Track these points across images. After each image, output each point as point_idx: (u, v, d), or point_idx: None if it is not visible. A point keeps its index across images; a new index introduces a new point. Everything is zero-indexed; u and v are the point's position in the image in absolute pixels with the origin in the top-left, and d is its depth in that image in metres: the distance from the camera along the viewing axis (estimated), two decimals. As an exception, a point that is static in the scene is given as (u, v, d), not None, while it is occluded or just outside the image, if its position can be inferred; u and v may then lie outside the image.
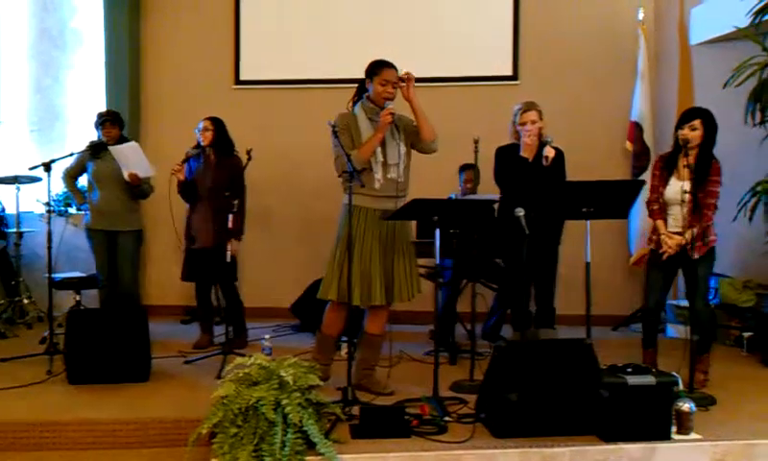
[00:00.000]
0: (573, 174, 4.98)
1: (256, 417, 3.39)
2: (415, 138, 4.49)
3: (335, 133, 4.27)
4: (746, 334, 5.76)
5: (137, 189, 5.73)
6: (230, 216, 5.16)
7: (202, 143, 5.69)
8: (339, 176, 4.42)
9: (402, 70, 4.42)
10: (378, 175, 4.35)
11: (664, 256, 4.64)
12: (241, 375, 3.55)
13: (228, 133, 5.80)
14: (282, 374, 3.48)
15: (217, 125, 5.73)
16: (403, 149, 4.45)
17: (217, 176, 5.62)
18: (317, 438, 3.39)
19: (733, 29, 5.69)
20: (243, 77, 7.30)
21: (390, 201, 4.40)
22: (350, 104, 4.54)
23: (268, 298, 6.98)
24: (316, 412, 3.53)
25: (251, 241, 6.24)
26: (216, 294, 5.69)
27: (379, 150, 4.35)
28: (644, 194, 6.22)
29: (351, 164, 4.22)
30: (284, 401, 3.40)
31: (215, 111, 5.90)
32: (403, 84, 4.38)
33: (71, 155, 5.69)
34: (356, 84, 4.58)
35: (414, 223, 5.22)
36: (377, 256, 4.37)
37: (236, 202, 5.16)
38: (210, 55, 7.35)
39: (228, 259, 5.27)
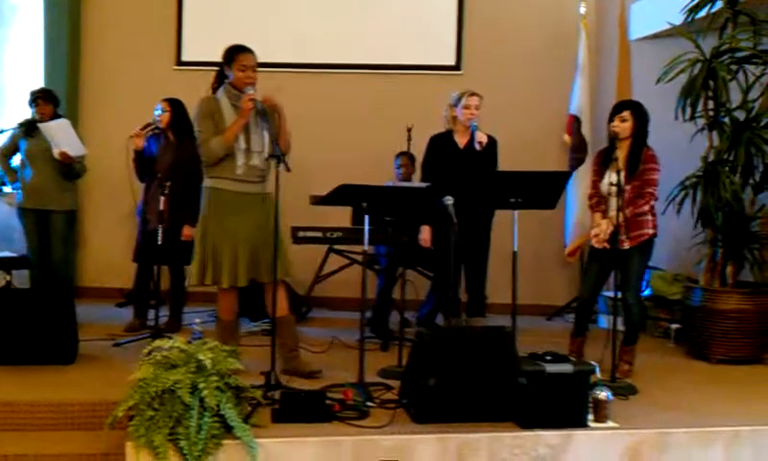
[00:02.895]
0: (512, 165, 5.02)
1: (173, 400, 3.35)
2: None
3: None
4: (674, 326, 5.89)
5: (69, 168, 5.63)
6: (162, 198, 5.11)
7: (159, 125, 5.62)
8: (202, 162, 4.42)
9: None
10: (240, 161, 4.32)
11: (594, 242, 4.71)
12: (160, 357, 3.52)
13: (187, 114, 5.72)
14: (201, 357, 3.45)
15: (174, 106, 5.64)
16: (266, 137, 4.41)
17: (177, 157, 5.55)
18: (234, 422, 3.37)
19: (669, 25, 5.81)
20: (185, 58, 7.21)
21: (252, 185, 4.39)
22: (212, 88, 4.50)
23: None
24: (235, 396, 3.50)
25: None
26: (154, 277, 5.63)
27: (242, 137, 4.33)
28: (580, 186, 6.38)
29: (202, 150, 4.32)
30: (201, 385, 3.37)
31: (156, 93, 5.83)
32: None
33: (2, 132, 5.58)
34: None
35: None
36: (245, 238, 4.35)
37: (168, 184, 5.11)
38: (152, 34, 7.23)
39: (162, 241, 5.21)
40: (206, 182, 4.42)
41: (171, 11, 7.22)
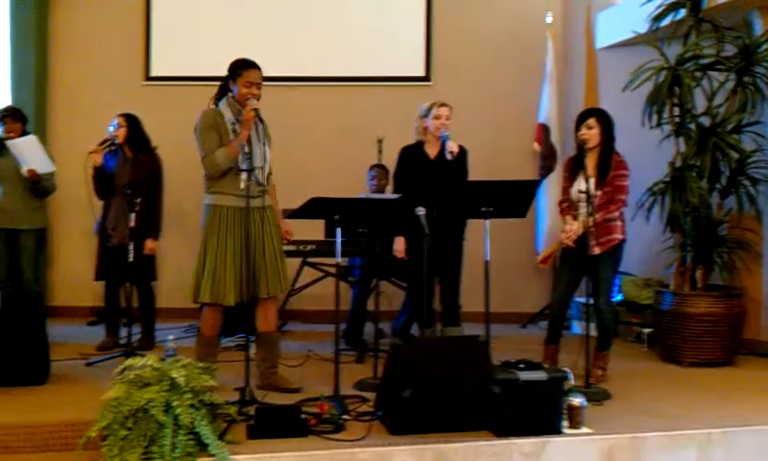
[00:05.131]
0: (483, 174, 5.06)
1: (146, 419, 3.33)
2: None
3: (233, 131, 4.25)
4: (646, 330, 5.95)
5: (38, 186, 5.58)
6: (132, 215, 5.09)
7: (116, 141, 5.59)
8: (206, 175, 4.41)
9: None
10: (243, 175, 4.28)
11: (563, 237, 4.74)
12: (132, 376, 3.50)
13: (144, 129, 5.72)
14: (174, 375, 3.44)
15: (130, 121, 5.64)
16: (268, 153, 4.45)
17: (134, 172, 5.53)
18: (209, 439, 3.35)
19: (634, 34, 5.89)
20: (153, 73, 7.18)
21: (253, 199, 4.35)
22: (213, 102, 4.48)
23: (181, 298, 6.84)
24: (210, 413, 3.50)
25: (164, 240, 6.14)
26: (126, 295, 5.58)
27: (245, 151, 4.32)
28: (551, 194, 6.44)
29: (204, 163, 4.30)
30: (175, 403, 3.35)
31: (124, 108, 5.80)
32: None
33: (-30, 152, 5.52)
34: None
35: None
36: (247, 254, 4.31)
37: (138, 201, 5.10)
38: (120, 50, 7.22)
39: (133, 258, 5.17)
40: (207, 199, 4.38)
41: (139, 26, 7.22)
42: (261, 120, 4.34)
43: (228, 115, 4.36)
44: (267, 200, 4.44)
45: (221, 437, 3.46)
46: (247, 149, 4.30)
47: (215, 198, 4.37)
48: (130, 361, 3.60)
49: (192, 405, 3.40)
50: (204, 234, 4.41)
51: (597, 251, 4.66)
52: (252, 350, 4.93)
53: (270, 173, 4.49)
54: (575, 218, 4.77)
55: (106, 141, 5.56)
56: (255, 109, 4.26)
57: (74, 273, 7.06)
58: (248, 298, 4.35)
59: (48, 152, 5.77)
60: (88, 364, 5.08)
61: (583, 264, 4.69)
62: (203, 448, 3.35)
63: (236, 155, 4.28)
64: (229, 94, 4.41)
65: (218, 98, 4.47)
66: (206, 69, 6.99)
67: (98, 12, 7.24)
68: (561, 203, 4.95)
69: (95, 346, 5.58)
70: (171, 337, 5.07)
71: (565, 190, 4.91)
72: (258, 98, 4.34)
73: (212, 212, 4.36)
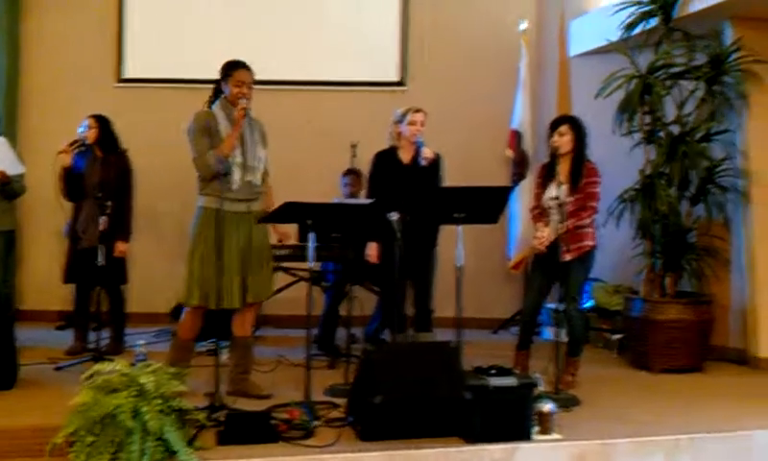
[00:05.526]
0: (456, 179, 5.10)
1: (114, 425, 3.30)
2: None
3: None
4: (616, 337, 6.00)
5: (7, 188, 5.52)
6: (103, 218, 5.04)
7: (86, 142, 5.55)
8: (198, 177, 4.40)
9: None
10: (236, 176, 4.30)
11: (535, 243, 4.77)
12: (100, 381, 3.46)
13: (114, 130, 5.69)
14: (143, 380, 3.41)
15: (101, 122, 5.61)
16: (263, 153, 4.46)
17: (104, 173, 5.49)
18: (178, 445, 3.33)
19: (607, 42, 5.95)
20: (126, 75, 7.13)
21: (247, 203, 4.38)
22: (207, 104, 4.49)
23: (152, 302, 6.82)
24: (179, 419, 3.47)
25: (135, 243, 6.09)
26: (96, 298, 5.53)
27: (239, 151, 4.32)
28: (523, 200, 6.48)
29: (197, 165, 4.28)
30: (144, 409, 3.32)
31: (97, 109, 5.76)
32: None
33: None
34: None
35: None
36: (235, 258, 4.32)
37: (109, 204, 5.06)
38: (93, 51, 7.15)
39: (103, 261, 5.13)
40: (199, 201, 4.36)
41: (112, 28, 7.16)
42: (251, 120, 4.39)
43: (222, 116, 4.37)
44: (259, 204, 4.45)
45: (190, 443, 3.43)
46: (239, 149, 4.31)
47: (206, 200, 4.35)
48: (98, 366, 3.56)
49: (161, 411, 3.37)
50: (193, 237, 4.39)
51: (568, 257, 4.70)
52: (223, 355, 4.92)
53: (266, 174, 4.52)
54: (547, 225, 4.80)
55: (76, 142, 5.52)
56: (245, 109, 4.27)
57: (43, 276, 6.96)
58: (238, 302, 4.35)
59: (18, 153, 5.72)
60: (57, 368, 5.02)
61: (554, 270, 4.73)
62: (171, 454, 3.33)
63: (229, 154, 4.27)
64: (222, 96, 4.43)
65: (212, 100, 4.48)
66: (179, 72, 7.08)
67: (71, 15, 7.16)
68: (532, 209, 4.99)
69: (64, 350, 5.52)
70: (141, 342, 5.00)
71: (537, 197, 4.94)
72: (249, 98, 4.37)
73: (203, 214, 4.34)
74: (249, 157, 4.36)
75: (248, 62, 4.46)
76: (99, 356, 4.90)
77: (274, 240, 4.68)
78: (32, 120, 7.13)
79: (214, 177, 4.23)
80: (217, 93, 4.48)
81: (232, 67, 4.42)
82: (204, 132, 4.32)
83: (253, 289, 4.39)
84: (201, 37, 7.06)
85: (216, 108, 4.42)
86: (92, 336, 5.38)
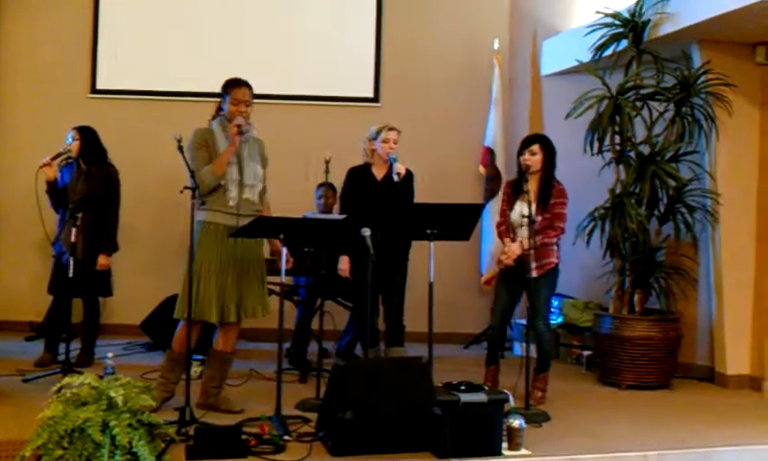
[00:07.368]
0: (429, 196, 5.13)
1: (83, 439, 3.26)
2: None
3: (180, 149, 4.22)
4: (585, 353, 6.06)
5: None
6: (73, 230, 5.01)
7: (71, 155, 5.54)
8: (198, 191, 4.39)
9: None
10: (233, 193, 4.33)
11: (502, 258, 4.82)
12: (69, 395, 3.43)
13: (100, 141, 5.66)
14: (112, 394, 3.37)
15: (84, 134, 5.57)
16: (260, 171, 4.49)
17: (89, 185, 5.46)
18: (147, 459, 3.30)
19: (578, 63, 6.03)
20: (99, 86, 7.10)
21: (246, 219, 4.37)
22: (210, 120, 4.52)
23: (132, 314, 6.75)
24: (148, 433, 3.44)
25: (114, 256, 6.01)
26: (67, 309, 5.47)
27: (235, 168, 4.35)
28: (495, 217, 6.51)
29: (195, 181, 4.23)
30: (112, 422, 3.29)
31: (70, 120, 5.75)
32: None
33: None
34: (217, 99, 4.56)
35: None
36: (232, 273, 4.35)
37: (79, 215, 5.03)
38: (66, 62, 7.11)
39: (71, 273, 5.08)
40: (198, 215, 4.35)
41: (86, 38, 7.12)
42: (252, 138, 4.44)
43: (220, 134, 4.40)
44: None
45: (159, 457, 3.40)
46: (236, 166, 4.34)
47: (205, 214, 4.37)
48: (67, 379, 3.53)
49: (130, 425, 3.34)
50: (192, 249, 4.36)
51: (535, 274, 4.75)
52: (194, 368, 4.91)
53: (264, 191, 4.56)
54: (513, 240, 4.86)
55: (59, 155, 5.51)
56: (239, 127, 4.29)
57: (13, 287, 6.89)
58: (234, 316, 4.38)
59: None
60: (25, 380, 4.96)
61: (520, 284, 4.81)
62: (141, 468, 3.30)
63: (220, 172, 4.29)
64: (221, 112, 4.46)
65: (213, 117, 4.51)
66: (153, 84, 7.06)
67: (43, 25, 7.12)
68: (498, 225, 5.05)
69: (33, 361, 5.46)
70: (110, 354, 4.97)
71: (503, 213, 5.00)
72: (247, 116, 4.42)
73: (202, 229, 4.35)
74: (246, 175, 4.39)
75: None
76: (68, 368, 4.85)
77: (267, 255, 4.70)
78: (4, 131, 7.05)
79: (212, 192, 4.28)
80: (220, 108, 4.51)
81: (231, 85, 4.46)
82: (202, 148, 4.36)
83: (249, 305, 4.43)
84: (176, 51, 7.08)
85: (216, 124, 4.46)
86: (62, 348, 5.33)
